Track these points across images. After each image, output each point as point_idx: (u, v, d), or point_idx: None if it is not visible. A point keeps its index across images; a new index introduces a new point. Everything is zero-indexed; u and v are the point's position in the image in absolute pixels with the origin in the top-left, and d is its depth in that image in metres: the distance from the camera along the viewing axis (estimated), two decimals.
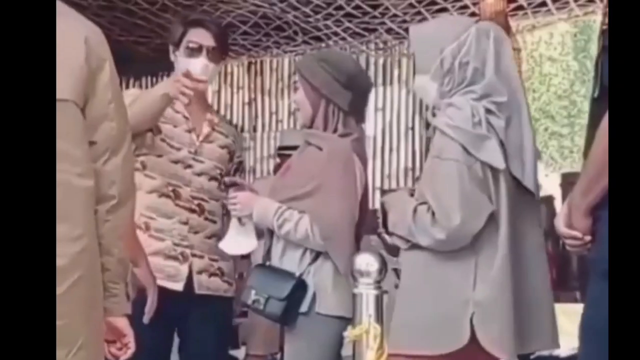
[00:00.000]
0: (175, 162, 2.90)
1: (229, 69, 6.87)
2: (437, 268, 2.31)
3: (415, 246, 2.34)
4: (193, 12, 3.13)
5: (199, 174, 2.94)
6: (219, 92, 6.95)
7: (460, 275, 2.28)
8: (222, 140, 3.03)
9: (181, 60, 2.96)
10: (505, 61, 2.39)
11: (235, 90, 6.95)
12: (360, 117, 2.86)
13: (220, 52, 3.01)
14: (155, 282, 2.61)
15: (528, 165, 2.37)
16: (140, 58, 6.06)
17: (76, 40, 1.79)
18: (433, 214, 2.26)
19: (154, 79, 6.48)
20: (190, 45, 2.94)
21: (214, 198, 2.96)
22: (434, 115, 2.38)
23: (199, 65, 2.92)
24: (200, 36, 2.94)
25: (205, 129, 2.99)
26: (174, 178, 2.89)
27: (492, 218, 2.28)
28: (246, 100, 6.92)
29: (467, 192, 2.25)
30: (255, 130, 6.81)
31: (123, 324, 1.93)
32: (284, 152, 4.81)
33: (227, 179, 2.93)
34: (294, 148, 4.79)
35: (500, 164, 2.29)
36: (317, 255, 2.71)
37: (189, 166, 2.92)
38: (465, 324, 2.25)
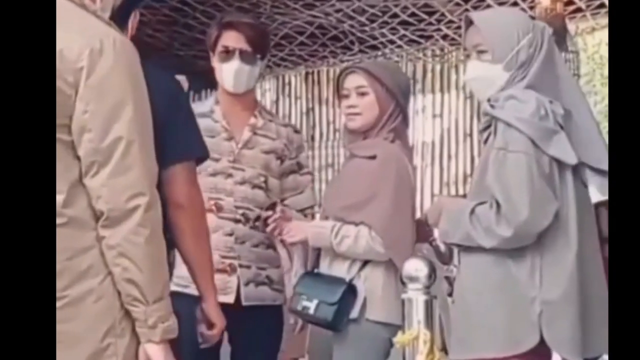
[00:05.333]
0: (214, 174, 2.83)
1: (286, 80, 6.95)
2: (499, 269, 2.24)
3: (472, 248, 2.27)
4: (228, 14, 3.02)
5: (241, 183, 2.87)
6: (277, 102, 7.04)
7: (524, 273, 2.22)
8: (268, 145, 2.94)
9: (216, 66, 2.88)
10: (558, 60, 2.36)
11: (293, 100, 7.02)
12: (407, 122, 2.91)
13: (255, 54, 2.89)
14: (223, 320, 2.32)
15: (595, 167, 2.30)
16: (200, 72, 6.16)
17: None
18: (497, 209, 2.18)
19: (214, 92, 6.57)
20: (222, 49, 2.85)
21: (259, 206, 2.90)
22: (492, 107, 2.28)
23: (231, 70, 2.85)
24: (233, 39, 2.85)
25: (246, 135, 2.91)
26: (214, 192, 2.82)
27: (557, 215, 2.21)
28: (304, 109, 6.98)
29: (536, 187, 2.18)
30: (313, 139, 6.86)
31: (153, 351, 1.81)
32: None
33: (265, 216, 2.86)
34: None
35: (571, 159, 2.22)
36: (367, 261, 2.69)
37: (230, 175, 2.86)
38: (534, 324, 2.19)
